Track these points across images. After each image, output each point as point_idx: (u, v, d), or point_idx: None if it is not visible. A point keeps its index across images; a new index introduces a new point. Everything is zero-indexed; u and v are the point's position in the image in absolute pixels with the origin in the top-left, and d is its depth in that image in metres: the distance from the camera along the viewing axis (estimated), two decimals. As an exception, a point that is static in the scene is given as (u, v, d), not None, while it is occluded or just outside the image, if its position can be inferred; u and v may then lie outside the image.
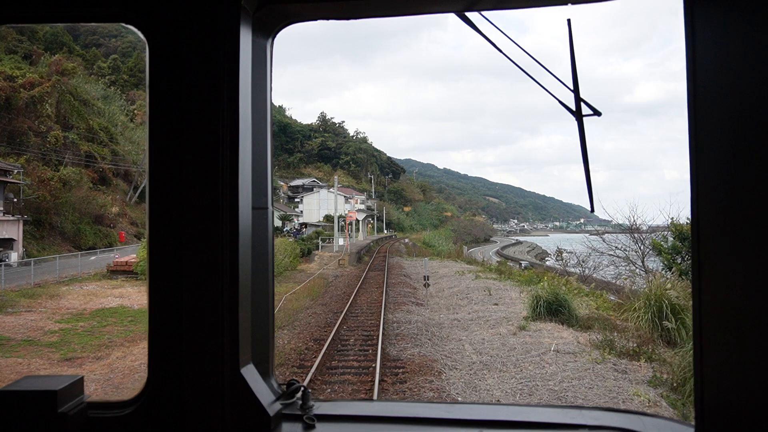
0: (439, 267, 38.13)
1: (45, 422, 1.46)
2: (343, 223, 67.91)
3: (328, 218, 75.10)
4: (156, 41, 1.56)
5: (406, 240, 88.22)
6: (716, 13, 1.26)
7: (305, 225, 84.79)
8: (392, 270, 36.79)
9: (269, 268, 1.75)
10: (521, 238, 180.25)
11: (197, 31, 1.53)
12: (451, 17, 1.63)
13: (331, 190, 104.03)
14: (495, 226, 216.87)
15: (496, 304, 19.97)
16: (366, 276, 32.13)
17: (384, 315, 18.27)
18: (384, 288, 25.58)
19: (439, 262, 43.79)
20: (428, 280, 22.42)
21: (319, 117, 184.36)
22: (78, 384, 1.57)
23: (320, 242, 52.78)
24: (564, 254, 42.13)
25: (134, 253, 29.14)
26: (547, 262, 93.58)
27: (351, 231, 70.51)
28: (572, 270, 40.26)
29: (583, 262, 40.65)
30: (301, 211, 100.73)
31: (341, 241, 47.59)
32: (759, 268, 1.15)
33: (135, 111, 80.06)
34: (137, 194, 61.76)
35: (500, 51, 1.62)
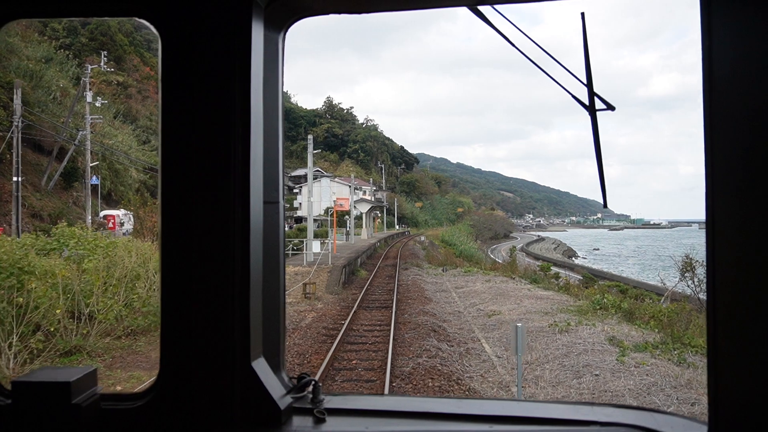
0: (492, 296, 20.70)
1: (59, 412, 1.48)
2: (344, 217, 50.93)
3: (328, 211, 58.69)
4: (169, 35, 1.58)
5: (422, 238, 71.66)
6: (733, 8, 1.25)
7: (300, 220, 70.60)
8: (406, 306, 19.32)
9: (280, 262, 1.76)
10: (542, 234, 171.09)
11: (210, 25, 1.55)
12: (461, 9, 1.62)
13: (324, 177, 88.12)
14: (512, 220, 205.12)
15: None
16: (345, 335, 14.69)
17: None
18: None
19: (485, 282, 26.30)
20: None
21: (325, 102, 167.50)
22: (91, 376, 1.58)
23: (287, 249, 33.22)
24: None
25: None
26: (575, 261, 77.48)
27: (349, 227, 53.07)
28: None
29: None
30: (300, 204, 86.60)
31: (317, 247, 29.29)
32: None
33: (91, 79, 64.31)
34: (55, 177, 44.48)
35: (512, 45, 1.60)
